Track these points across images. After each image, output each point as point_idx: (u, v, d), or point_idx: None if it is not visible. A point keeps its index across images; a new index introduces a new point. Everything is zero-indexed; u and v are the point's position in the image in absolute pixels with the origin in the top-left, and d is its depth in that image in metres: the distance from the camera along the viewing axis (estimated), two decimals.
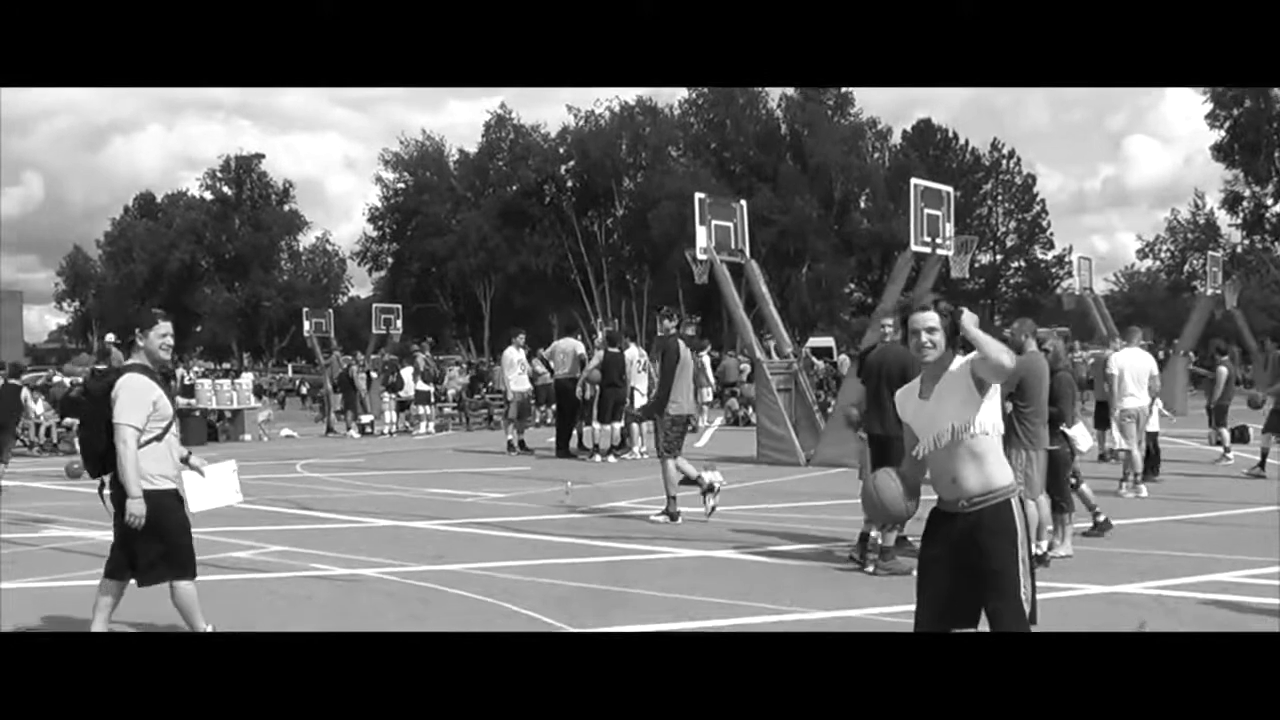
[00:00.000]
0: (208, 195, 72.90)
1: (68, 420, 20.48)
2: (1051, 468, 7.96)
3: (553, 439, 17.52)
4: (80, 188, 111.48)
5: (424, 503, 11.66)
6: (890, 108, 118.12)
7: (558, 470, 14.39)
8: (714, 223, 15.89)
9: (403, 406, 23.47)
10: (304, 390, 43.80)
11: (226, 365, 52.73)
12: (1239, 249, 55.40)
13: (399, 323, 27.19)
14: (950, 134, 68.22)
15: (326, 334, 27.37)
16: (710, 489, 9.89)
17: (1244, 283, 36.80)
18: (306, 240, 76.27)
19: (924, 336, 3.84)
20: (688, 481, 9.99)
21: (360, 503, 11.71)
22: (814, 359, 24.12)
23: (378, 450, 18.93)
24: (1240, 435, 15.85)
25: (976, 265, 58.66)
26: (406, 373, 23.39)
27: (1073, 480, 8.62)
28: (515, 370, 18.65)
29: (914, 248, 13.91)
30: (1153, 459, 12.69)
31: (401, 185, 67.63)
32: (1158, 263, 63.18)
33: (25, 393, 15.76)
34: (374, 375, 23.70)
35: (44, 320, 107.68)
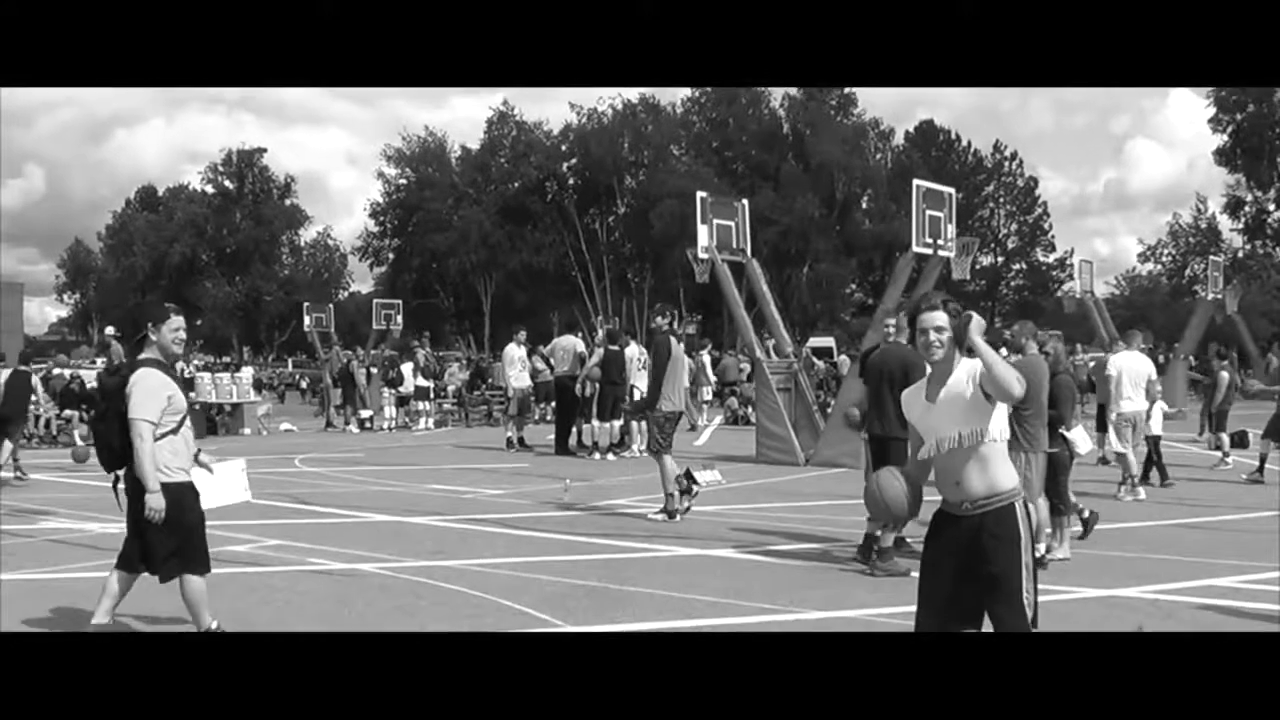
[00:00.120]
0: (209, 189, 72.97)
1: (67, 412, 20.51)
2: (1050, 471, 7.96)
3: (552, 436, 17.52)
4: (82, 180, 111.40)
5: (422, 498, 11.66)
6: (893, 108, 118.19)
7: (557, 467, 14.39)
8: (715, 221, 15.90)
9: (402, 402, 23.47)
10: (304, 385, 43.81)
11: (226, 359, 52.65)
12: (1240, 254, 55.38)
13: (399, 318, 27.17)
14: (953, 135, 68.32)
15: (327, 329, 27.35)
16: (688, 490, 9.97)
17: (1245, 288, 36.73)
18: (308, 235, 76.45)
19: (932, 335, 3.82)
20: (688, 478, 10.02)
21: (359, 498, 11.71)
22: (814, 359, 24.11)
23: (377, 445, 18.93)
24: (1239, 440, 15.85)
25: (978, 267, 58.61)
26: (406, 368, 23.39)
27: None
28: (516, 367, 18.65)
29: (915, 249, 13.91)
30: (1159, 465, 12.68)
31: (403, 181, 67.62)
32: (1159, 266, 63.21)
33: (36, 380, 15.78)
34: (374, 370, 23.70)
35: (44, 312, 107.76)
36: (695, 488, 10.10)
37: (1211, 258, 31.22)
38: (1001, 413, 3.79)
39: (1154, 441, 12.69)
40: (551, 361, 18.05)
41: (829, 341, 40.40)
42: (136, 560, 5.40)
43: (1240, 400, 15.97)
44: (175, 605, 5.50)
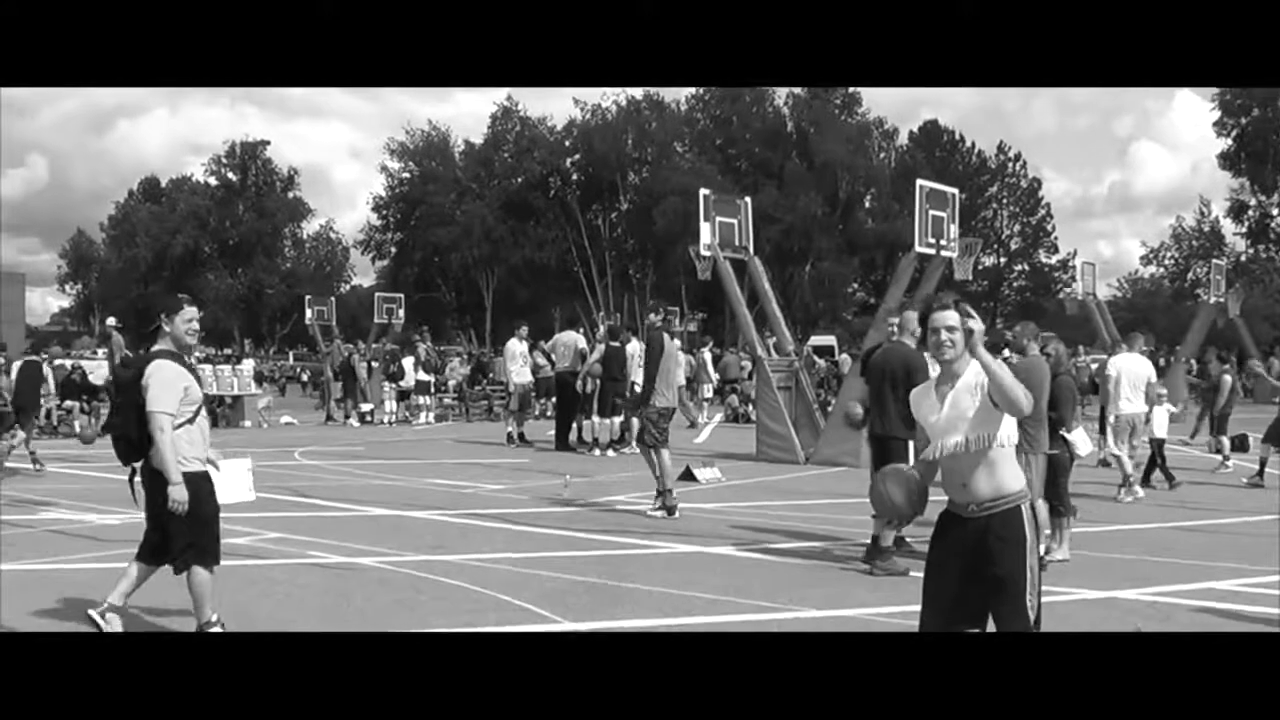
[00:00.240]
0: (212, 181, 72.84)
1: (67, 403, 20.53)
2: (1050, 472, 7.96)
3: (552, 432, 17.53)
4: (84, 171, 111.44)
5: (422, 493, 11.66)
6: (897, 108, 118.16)
7: (557, 463, 14.40)
8: (718, 219, 15.89)
9: (403, 396, 23.47)
10: (305, 378, 43.87)
11: (228, 351, 52.72)
12: (1243, 258, 55.39)
13: (401, 312, 27.21)
14: (957, 136, 68.29)
15: (328, 322, 27.38)
16: (662, 497, 10.06)
17: (1247, 291, 36.75)
18: (310, 228, 76.31)
19: (944, 335, 3.82)
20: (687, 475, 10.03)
21: (359, 491, 11.71)
22: (815, 357, 24.11)
23: (377, 439, 18.95)
24: (1240, 444, 15.85)
25: (980, 268, 58.49)
26: (407, 362, 23.39)
27: None
28: (517, 362, 18.66)
29: (918, 249, 13.91)
30: (1163, 468, 12.68)
31: (406, 175, 67.58)
32: (1162, 269, 63.24)
33: (47, 370, 15.83)
34: (375, 364, 23.71)
35: (46, 303, 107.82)
36: (674, 497, 10.13)
37: (1214, 261, 31.20)
38: (1009, 418, 3.79)
39: (1158, 444, 12.69)
40: (553, 357, 18.05)
41: (830, 340, 40.42)
42: (159, 552, 5.42)
43: (1243, 401, 15.96)
44: (184, 597, 5.51)
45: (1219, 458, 14.58)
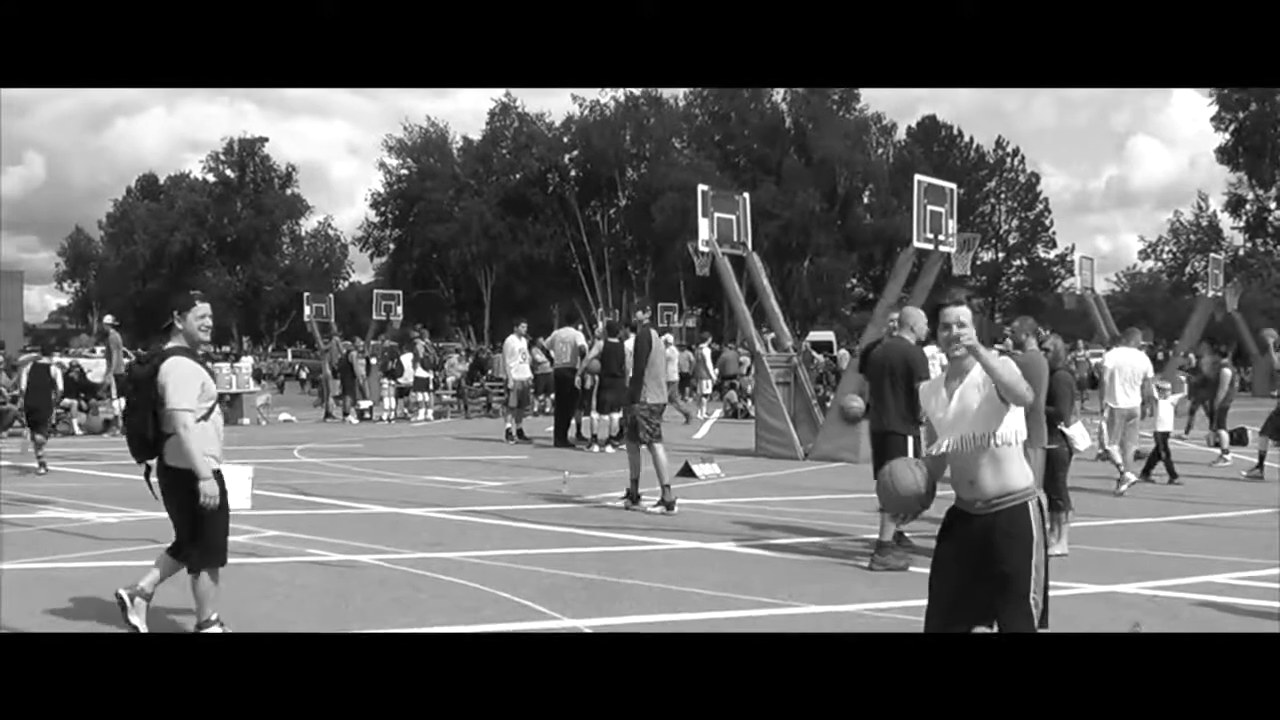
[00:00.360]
0: (210, 178, 72.74)
1: (66, 401, 20.49)
2: (1049, 467, 7.96)
3: (551, 428, 17.52)
4: (82, 168, 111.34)
5: (421, 490, 11.65)
6: (895, 104, 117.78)
7: (555, 460, 14.39)
8: (716, 215, 15.89)
9: (402, 393, 23.46)
10: (303, 375, 43.81)
11: (226, 348, 52.70)
12: (1241, 252, 55.36)
13: (399, 309, 27.15)
14: (955, 131, 68.26)
15: (327, 319, 27.33)
16: (632, 497, 10.22)
17: (1245, 286, 36.74)
18: (308, 224, 76.27)
19: (955, 330, 3.82)
20: (687, 473, 10.02)
21: (357, 489, 11.70)
22: (814, 353, 24.09)
23: (376, 436, 18.93)
24: (1238, 437, 15.86)
25: (978, 263, 58.48)
26: (406, 359, 23.37)
27: None
28: (517, 359, 18.64)
29: (916, 244, 13.90)
30: (1166, 462, 12.68)
31: (405, 171, 67.52)
32: (1160, 264, 63.20)
33: (56, 371, 15.87)
34: (373, 361, 23.68)
35: (44, 300, 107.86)
36: (641, 501, 10.20)
37: (1212, 255, 31.18)
38: (1017, 414, 3.80)
39: (1162, 437, 12.71)
40: (551, 353, 18.04)
41: (829, 336, 40.42)
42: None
43: (1240, 394, 15.96)
44: (183, 596, 5.52)
45: (1217, 451, 14.60)
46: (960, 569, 3.82)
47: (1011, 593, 3.72)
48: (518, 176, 64.12)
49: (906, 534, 8.02)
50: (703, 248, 15.69)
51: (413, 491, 11.48)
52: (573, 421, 16.87)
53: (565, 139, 64.41)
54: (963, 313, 3.82)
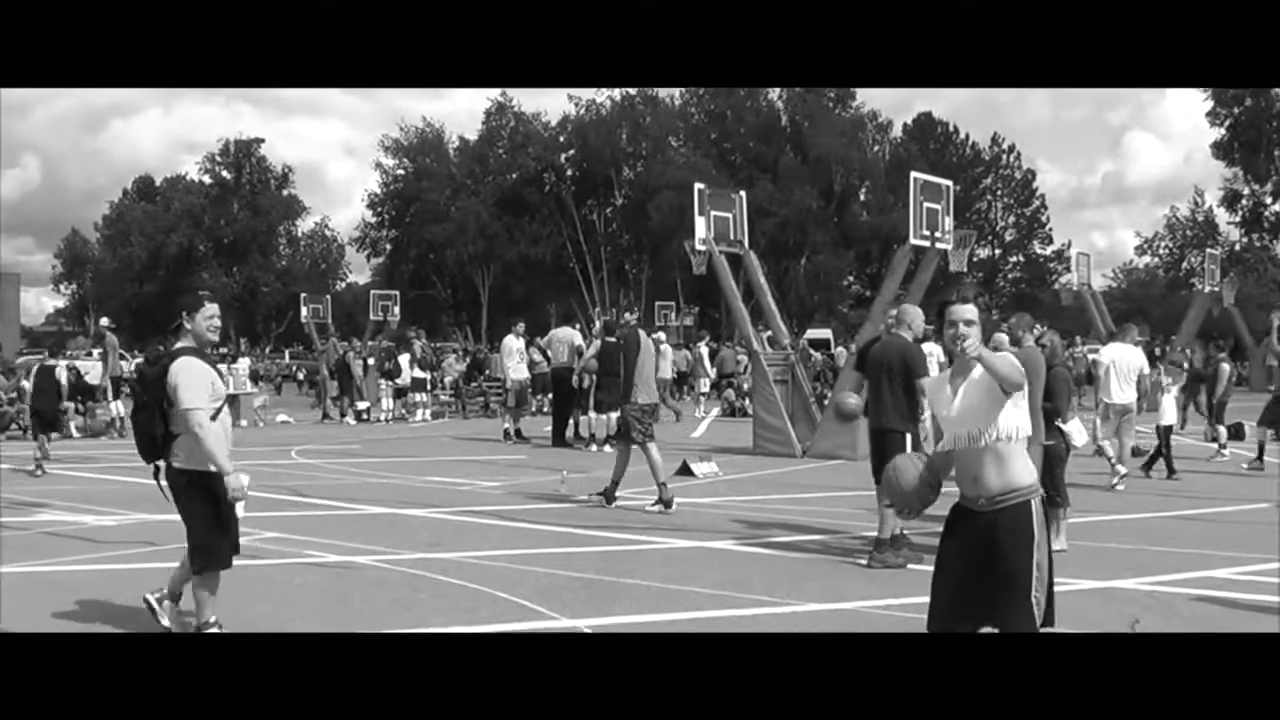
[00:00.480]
0: (206, 179, 72.69)
1: (63, 404, 20.44)
2: (1046, 463, 7.96)
3: (549, 428, 17.52)
4: (78, 170, 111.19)
5: (419, 490, 11.64)
6: (891, 101, 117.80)
7: (553, 459, 14.38)
8: (713, 213, 15.89)
9: (399, 393, 23.43)
10: (300, 376, 43.77)
11: (223, 350, 52.50)
12: (1237, 247, 55.46)
13: (396, 309, 27.15)
14: (951, 128, 68.37)
15: (324, 320, 27.34)
16: (607, 496, 10.24)
17: (1241, 280, 36.80)
18: (305, 225, 76.25)
19: (961, 328, 3.82)
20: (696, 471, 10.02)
21: (355, 490, 11.69)
22: (811, 351, 24.08)
23: (373, 437, 18.91)
24: (1235, 432, 15.88)
25: (975, 259, 58.69)
26: (403, 359, 23.35)
27: None
28: (514, 358, 18.63)
29: (913, 241, 13.91)
30: (1166, 457, 12.70)
31: (401, 171, 67.50)
32: (1156, 259, 63.34)
33: (62, 373, 15.86)
34: (371, 362, 23.66)
35: (40, 303, 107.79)
36: (615, 499, 10.23)
37: (1208, 251, 31.27)
38: (1022, 411, 3.80)
39: (1165, 431, 12.73)
40: (549, 353, 18.03)
41: (826, 333, 40.41)
42: None
43: (1238, 388, 15.98)
44: (183, 597, 5.50)
45: (1215, 446, 14.62)
46: (964, 566, 3.83)
47: (1012, 590, 3.72)
48: (514, 176, 64.11)
49: (906, 532, 8.02)
50: (699, 246, 15.69)
51: (411, 492, 11.48)
52: (570, 421, 16.86)
53: (561, 138, 64.40)
54: (969, 311, 3.82)
